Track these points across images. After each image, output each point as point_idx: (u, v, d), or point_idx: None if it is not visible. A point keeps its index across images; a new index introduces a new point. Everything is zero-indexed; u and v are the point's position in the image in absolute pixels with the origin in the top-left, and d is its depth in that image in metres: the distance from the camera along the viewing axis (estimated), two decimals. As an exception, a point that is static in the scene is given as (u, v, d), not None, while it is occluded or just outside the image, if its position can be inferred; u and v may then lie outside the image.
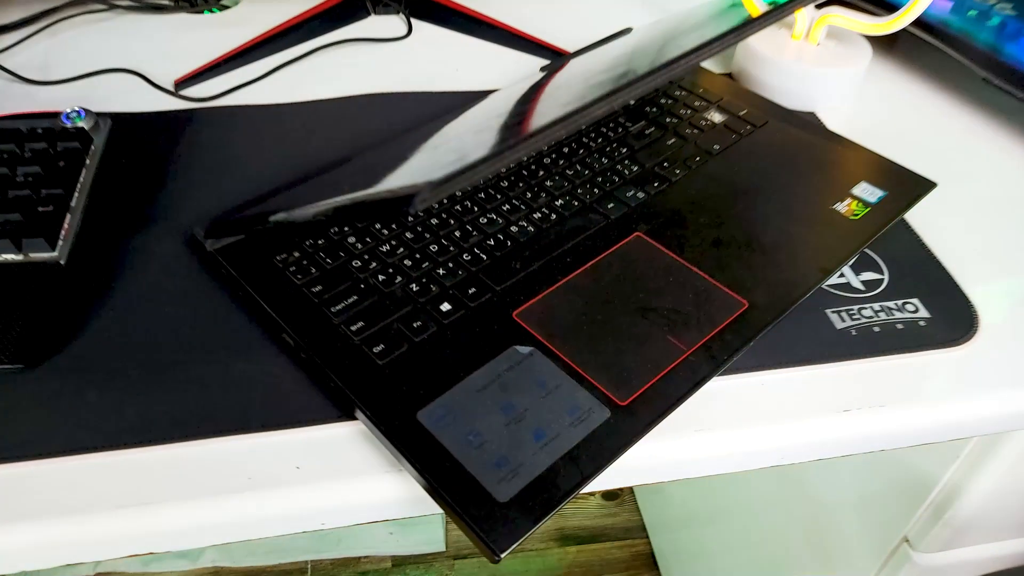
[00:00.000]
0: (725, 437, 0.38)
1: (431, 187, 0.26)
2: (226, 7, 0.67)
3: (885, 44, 0.67)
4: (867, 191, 0.48)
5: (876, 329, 0.43)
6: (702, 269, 0.43)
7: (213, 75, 0.59)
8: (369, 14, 0.66)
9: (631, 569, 1.18)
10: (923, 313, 0.44)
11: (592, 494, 1.28)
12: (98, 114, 0.49)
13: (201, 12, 0.66)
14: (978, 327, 0.43)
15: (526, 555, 1.18)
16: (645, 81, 0.31)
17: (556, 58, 0.62)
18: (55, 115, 0.48)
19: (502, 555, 0.31)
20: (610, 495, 1.28)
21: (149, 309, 0.42)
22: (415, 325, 0.39)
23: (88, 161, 0.46)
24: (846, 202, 0.48)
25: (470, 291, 0.41)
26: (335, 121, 0.55)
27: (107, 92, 0.57)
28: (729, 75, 0.61)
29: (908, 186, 0.49)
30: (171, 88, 0.57)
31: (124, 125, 0.51)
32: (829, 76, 0.57)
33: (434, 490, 0.33)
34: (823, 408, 0.39)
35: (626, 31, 0.62)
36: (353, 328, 0.39)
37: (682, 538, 1.11)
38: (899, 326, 0.43)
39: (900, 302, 0.45)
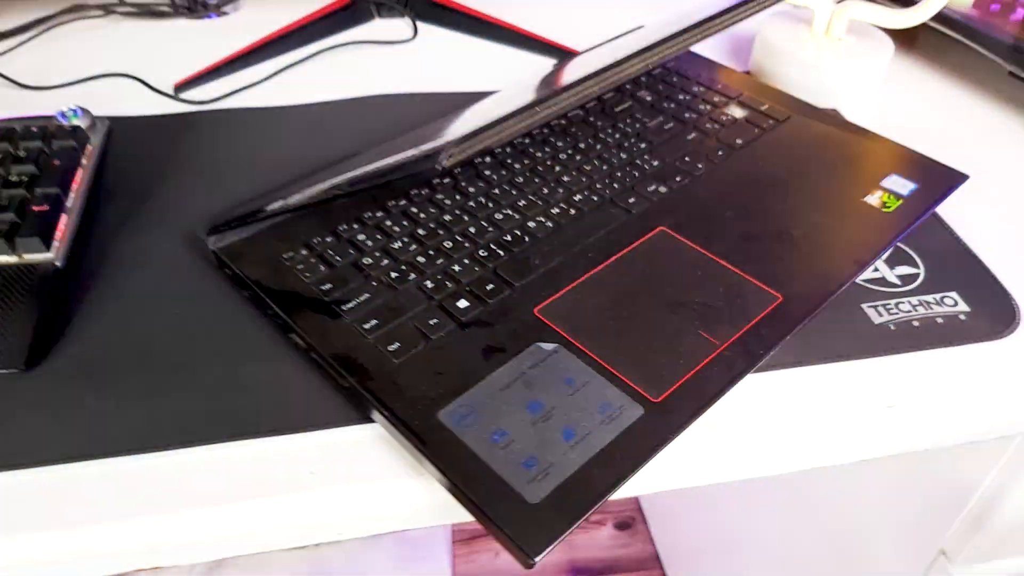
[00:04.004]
0: (765, 436, 0.36)
1: (457, 141, 0.24)
2: (225, 14, 0.66)
3: (906, 41, 0.65)
4: (898, 183, 0.47)
5: (915, 324, 0.41)
6: (732, 263, 0.41)
7: (214, 78, 0.57)
8: (373, 17, 0.65)
9: (644, 597, 1.15)
10: (962, 307, 0.42)
11: (603, 523, 1.25)
12: (96, 116, 0.47)
13: (200, 18, 0.65)
14: (1020, 319, 0.41)
15: (536, 584, 1.15)
16: (663, 47, 0.30)
17: (565, 57, 0.60)
18: (51, 117, 0.46)
19: (536, 559, 0.29)
20: (622, 524, 1.25)
21: (150, 311, 0.39)
22: (431, 323, 0.37)
23: (84, 160, 0.44)
24: (877, 194, 0.46)
25: (488, 287, 0.39)
26: (339, 122, 0.53)
27: (105, 97, 0.55)
28: (747, 72, 0.60)
29: (939, 178, 0.47)
30: (171, 92, 0.55)
31: (123, 127, 0.50)
32: (850, 71, 0.55)
33: (460, 492, 0.31)
34: (866, 405, 0.37)
35: (637, 28, 0.60)
36: (366, 327, 0.36)
37: (699, 569, 1.08)
38: (939, 320, 0.41)
39: (938, 296, 0.42)
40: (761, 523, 0.86)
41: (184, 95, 0.55)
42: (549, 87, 0.34)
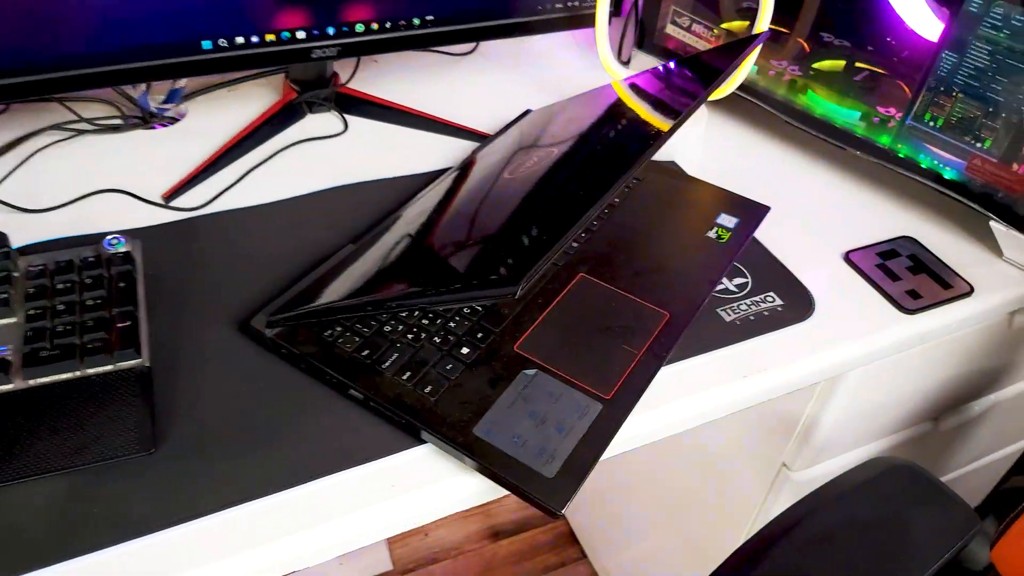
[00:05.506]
0: (674, 408, 0.55)
1: (527, 279, 0.41)
2: (175, 120, 0.77)
3: (714, 103, 0.87)
4: (726, 220, 0.68)
5: (751, 318, 0.62)
6: (632, 294, 0.60)
7: (193, 185, 0.69)
8: (306, 114, 0.78)
9: (556, 547, 1.35)
10: (779, 302, 0.63)
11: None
12: (128, 236, 0.59)
13: (152, 127, 0.76)
14: (815, 307, 0.63)
15: (467, 556, 1.32)
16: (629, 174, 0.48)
17: (478, 139, 0.77)
18: (96, 239, 0.57)
19: (561, 511, 0.46)
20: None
21: (227, 389, 0.53)
22: (448, 367, 0.53)
23: (138, 277, 0.56)
24: (714, 230, 0.66)
25: (479, 335, 0.55)
26: (310, 214, 0.67)
27: (101, 212, 0.65)
28: (605, 136, 0.79)
29: (752, 212, 0.69)
30: (159, 201, 0.67)
31: (141, 239, 0.61)
32: (682, 134, 0.76)
33: (499, 479, 0.48)
34: (730, 377, 0.57)
35: (526, 113, 0.78)
36: (403, 377, 0.52)
37: (599, 513, 1.29)
38: (766, 313, 0.62)
39: (763, 296, 0.64)
40: (646, 468, 1.08)
41: (174, 203, 0.67)
42: (573, 201, 0.51)
